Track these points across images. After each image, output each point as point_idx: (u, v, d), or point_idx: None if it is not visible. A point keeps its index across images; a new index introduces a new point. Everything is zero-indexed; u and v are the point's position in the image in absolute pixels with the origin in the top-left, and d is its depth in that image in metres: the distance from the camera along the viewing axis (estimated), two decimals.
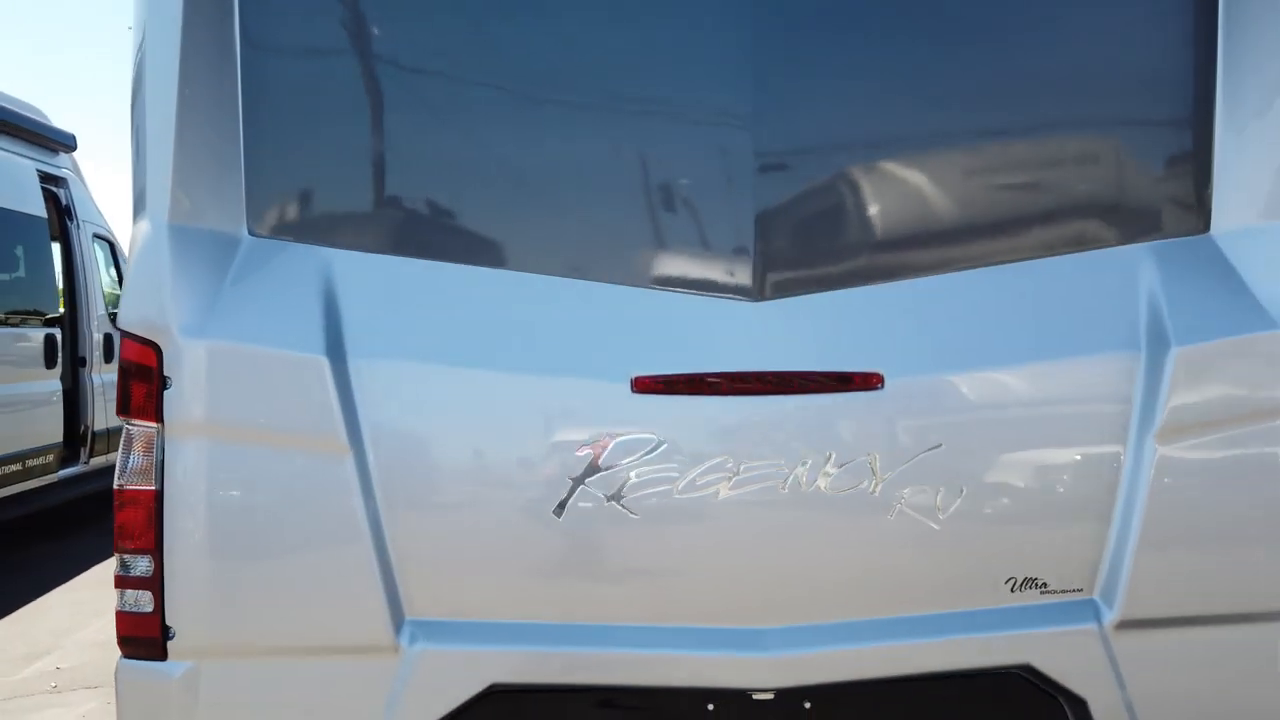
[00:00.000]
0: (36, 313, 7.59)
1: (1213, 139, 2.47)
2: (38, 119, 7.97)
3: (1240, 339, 2.36)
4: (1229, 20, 2.46)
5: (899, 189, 2.42)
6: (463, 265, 2.32)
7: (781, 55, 2.35)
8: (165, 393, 2.19)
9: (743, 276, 2.32)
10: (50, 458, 7.48)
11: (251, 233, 2.33)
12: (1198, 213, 2.48)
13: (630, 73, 2.36)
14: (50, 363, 7.49)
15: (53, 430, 7.51)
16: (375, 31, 2.36)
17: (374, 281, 2.31)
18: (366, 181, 2.37)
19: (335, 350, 2.22)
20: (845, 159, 2.41)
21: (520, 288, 2.32)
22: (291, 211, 2.36)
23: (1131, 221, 2.47)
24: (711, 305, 2.32)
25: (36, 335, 7.45)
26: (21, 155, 7.65)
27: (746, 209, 2.32)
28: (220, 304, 2.24)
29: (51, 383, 7.56)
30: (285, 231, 2.34)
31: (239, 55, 2.32)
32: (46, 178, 7.91)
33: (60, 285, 8.19)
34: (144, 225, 2.23)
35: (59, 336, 7.67)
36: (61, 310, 8.10)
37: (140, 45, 2.30)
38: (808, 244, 2.38)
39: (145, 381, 2.21)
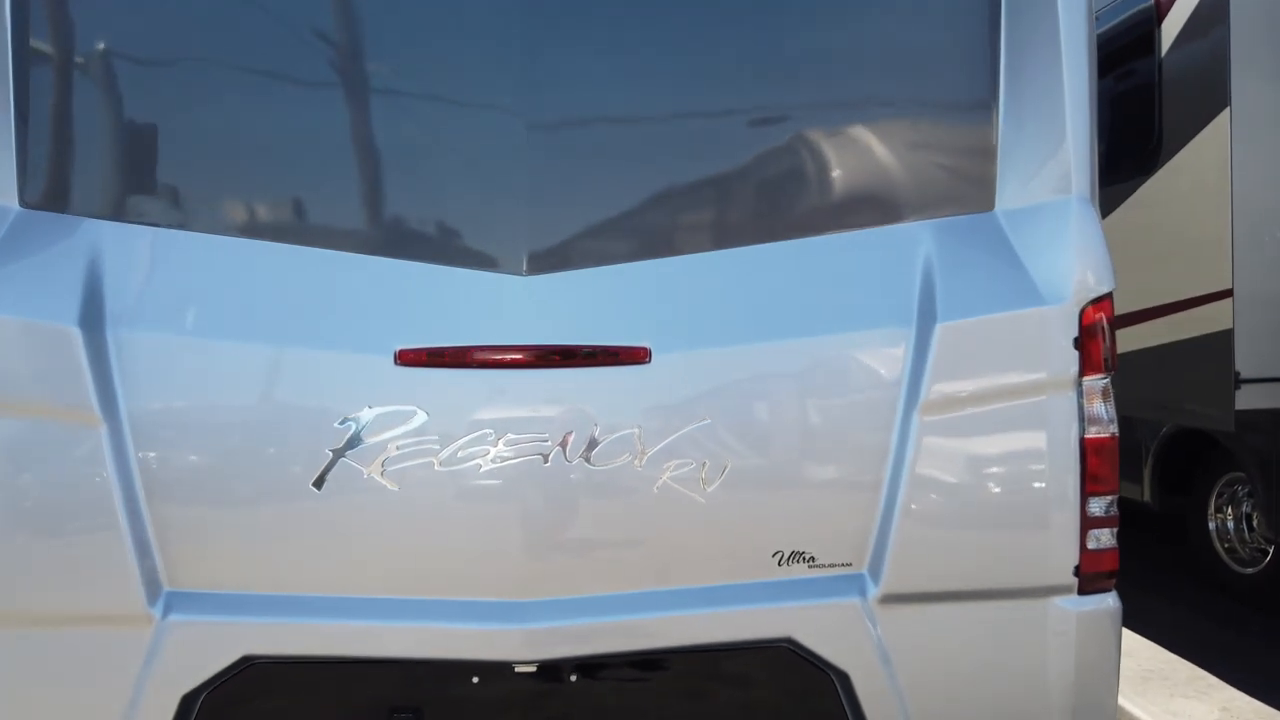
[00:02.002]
0: None
1: (997, 119, 2.49)
2: None
3: (1005, 315, 2.38)
4: (1010, 13, 2.48)
5: (674, 164, 2.43)
6: (228, 238, 2.32)
7: (554, 32, 2.36)
8: None
9: (512, 250, 2.33)
10: None
11: (22, 204, 2.33)
12: (982, 191, 2.49)
13: (400, 48, 2.37)
14: None
15: None
16: (144, 2, 2.36)
17: (140, 253, 2.31)
18: (136, 153, 2.37)
19: (92, 321, 2.22)
20: (617, 136, 2.42)
21: (287, 260, 2.32)
22: (63, 182, 2.35)
23: (917, 199, 2.48)
24: (479, 279, 2.33)
25: None
26: None
27: (517, 184, 2.33)
28: None
29: None
30: (56, 203, 2.33)
31: (9, 26, 2.31)
32: None
33: None
34: None
35: None
36: None
37: None
38: (579, 219, 2.39)
39: None
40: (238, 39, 2.35)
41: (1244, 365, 4.30)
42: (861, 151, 2.49)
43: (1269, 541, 4.98)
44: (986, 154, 2.49)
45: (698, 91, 2.44)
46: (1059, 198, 2.44)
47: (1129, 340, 5.10)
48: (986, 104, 2.49)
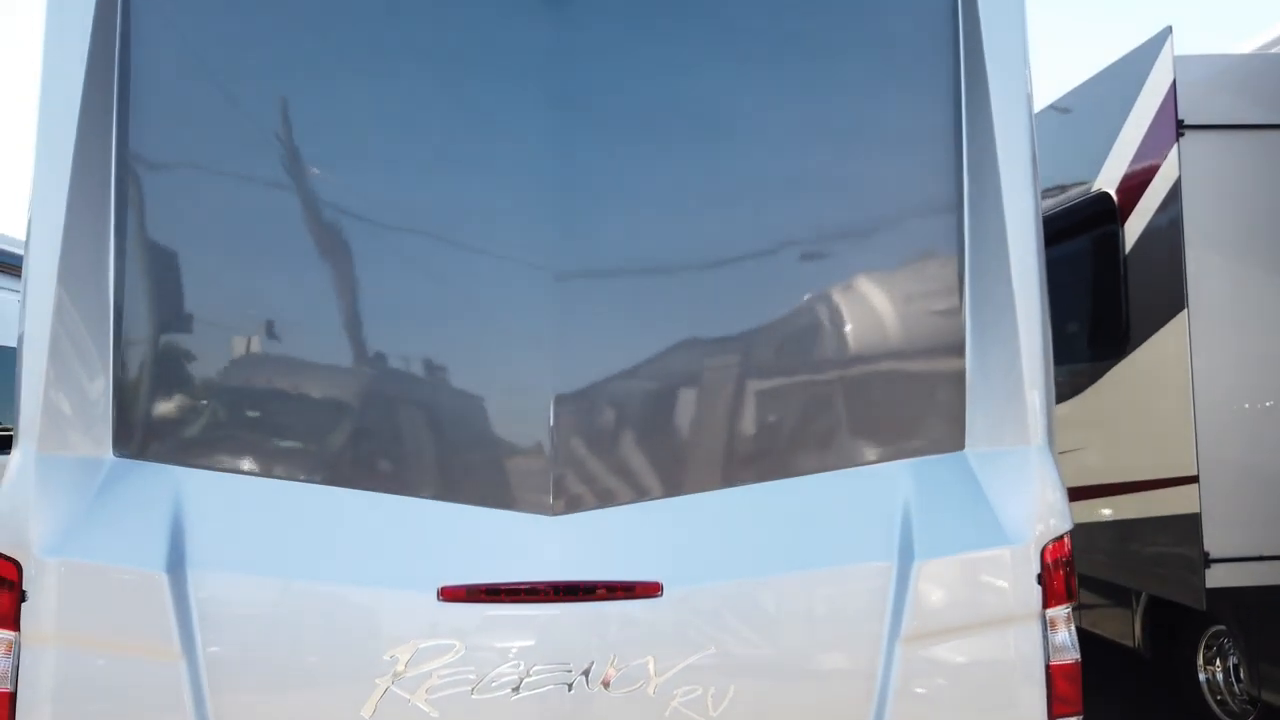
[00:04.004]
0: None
1: (965, 374, 2.84)
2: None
3: (976, 554, 2.70)
4: (973, 269, 2.87)
5: (686, 415, 2.78)
6: (295, 483, 2.67)
7: (577, 296, 2.74)
8: (23, 605, 2.51)
9: (541, 495, 2.67)
10: None
11: (116, 454, 2.67)
12: (953, 433, 2.83)
13: (443, 315, 2.75)
14: None
15: None
16: (219, 288, 2.75)
17: (218, 498, 2.64)
18: (214, 407, 2.72)
19: (176, 564, 2.54)
20: (634, 395, 2.77)
21: (345, 503, 2.66)
22: (152, 435, 2.70)
23: (898, 440, 2.82)
24: (514, 520, 2.66)
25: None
26: (6, 289, 8.18)
27: (546, 438, 2.68)
28: (80, 523, 2.56)
29: None
30: (145, 452, 2.68)
31: (110, 307, 2.69)
32: None
33: None
34: (16, 454, 2.58)
35: None
36: None
37: (24, 296, 2.68)
38: (599, 466, 2.73)
39: (8, 594, 2.52)
40: (295, 314, 2.74)
41: (1213, 546, 4.58)
42: (853, 397, 2.83)
43: (1253, 699, 5.16)
44: (957, 402, 2.82)
45: (710, 351, 2.81)
46: (1020, 447, 2.78)
47: (1107, 509, 5.40)
48: (958, 356, 2.83)
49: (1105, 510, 5.35)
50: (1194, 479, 4.61)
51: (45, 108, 2.66)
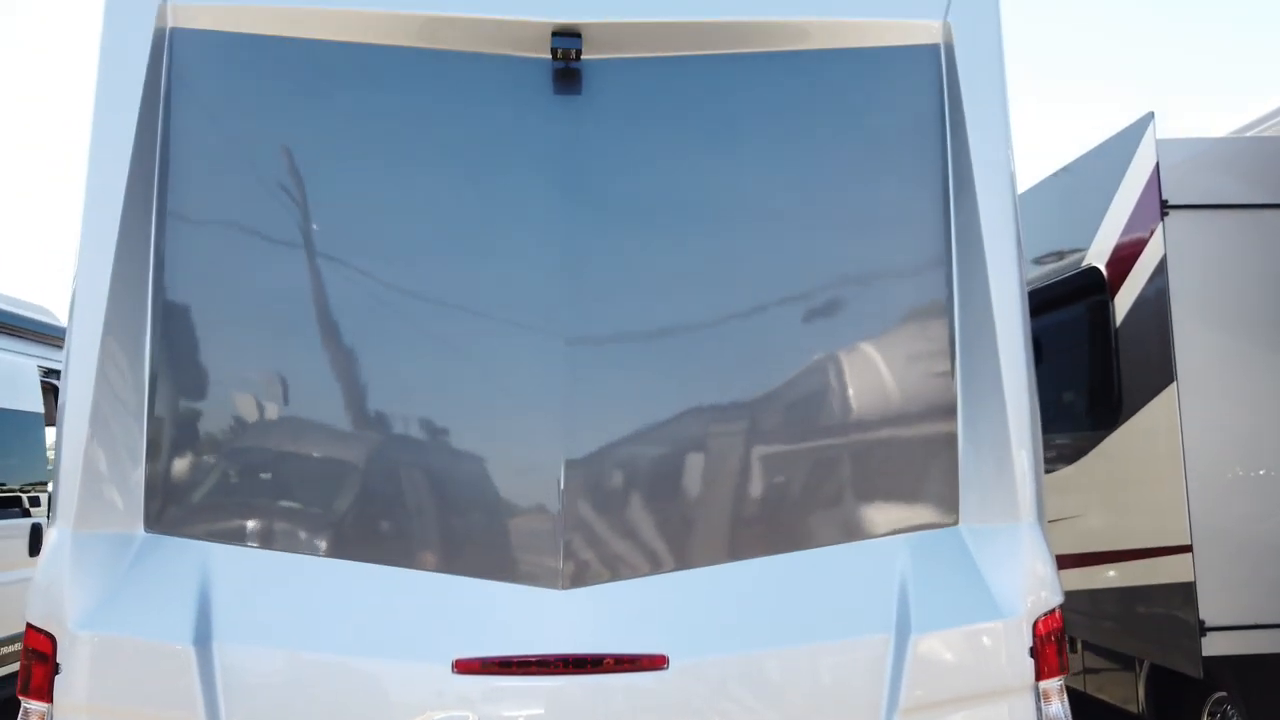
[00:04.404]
0: (26, 502, 8.13)
1: (958, 447, 2.97)
2: (43, 319, 8.75)
3: (970, 627, 2.80)
4: (963, 350, 3.01)
5: (691, 489, 2.91)
6: (319, 558, 2.79)
7: (588, 383, 2.89)
8: (57, 678, 2.62)
9: (551, 569, 2.78)
10: None
11: (146, 530, 2.80)
12: (948, 509, 2.95)
13: (466, 393, 2.89)
14: (34, 551, 7.91)
15: None
16: (247, 368, 2.90)
17: (244, 573, 2.77)
18: (241, 484, 2.86)
19: (203, 638, 2.66)
20: (642, 472, 2.90)
21: (366, 577, 2.78)
22: (181, 511, 2.83)
23: (892, 516, 2.94)
24: (525, 594, 2.78)
25: (23, 524, 7.92)
26: (22, 354, 8.37)
27: (556, 513, 2.81)
28: (112, 597, 2.69)
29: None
30: (174, 528, 2.81)
31: (146, 392, 2.84)
32: (51, 372, 8.58)
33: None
34: (53, 532, 2.71)
35: (45, 525, 8.10)
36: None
37: (65, 375, 2.83)
38: (608, 540, 2.85)
39: (42, 666, 2.64)
40: (320, 402, 2.88)
41: (1208, 614, 4.65)
42: (855, 473, 2.96)
43: None
44: (951, 480, 2.95)
45: (715, 429, 2.93)
46: (1011, 523, 2.90)
47: (1107, 576, 5.47)
48: (952, 437, 2.97)
49: (1106, 577, 5.43)
50: (1188, 548, 4.70)
51: (91, 195, 2.84)
